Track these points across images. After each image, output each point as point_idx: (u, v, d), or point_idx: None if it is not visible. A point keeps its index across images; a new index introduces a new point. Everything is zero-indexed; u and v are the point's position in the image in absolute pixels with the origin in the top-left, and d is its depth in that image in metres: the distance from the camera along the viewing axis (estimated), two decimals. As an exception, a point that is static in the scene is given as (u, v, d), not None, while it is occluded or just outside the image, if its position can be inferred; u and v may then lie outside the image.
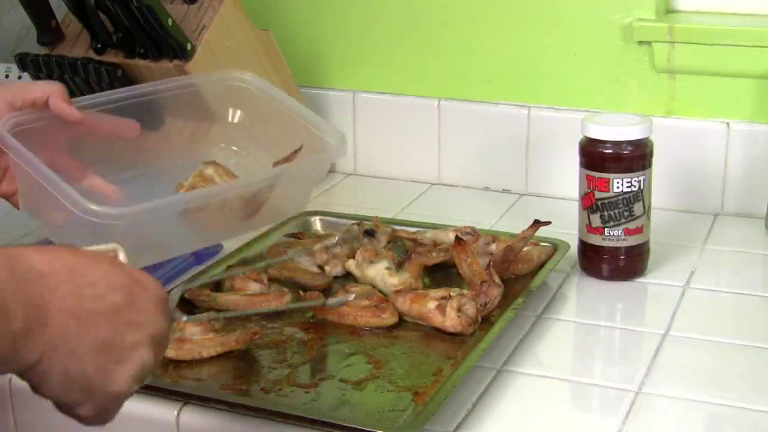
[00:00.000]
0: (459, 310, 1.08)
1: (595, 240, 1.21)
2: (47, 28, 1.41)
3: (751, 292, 1.20)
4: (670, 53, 1.40)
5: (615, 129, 1.18)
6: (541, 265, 1.21)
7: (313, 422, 0.93)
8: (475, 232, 1.24)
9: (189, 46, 1.34)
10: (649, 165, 1.20)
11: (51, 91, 1.09)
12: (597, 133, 1.19)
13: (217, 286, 1.19)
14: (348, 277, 1.23)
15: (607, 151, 1.19)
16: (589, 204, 1.20)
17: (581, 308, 1.19)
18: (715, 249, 1.33)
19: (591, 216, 1.21)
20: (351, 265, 1.22)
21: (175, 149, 1.28)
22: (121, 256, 0.81)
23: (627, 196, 1.19)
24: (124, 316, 0.74)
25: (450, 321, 1.08)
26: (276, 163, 1.17)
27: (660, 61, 1.41)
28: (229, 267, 1.21)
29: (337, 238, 1.23)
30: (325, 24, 1.60)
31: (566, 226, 1.26)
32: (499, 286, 1.12)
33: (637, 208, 1.19)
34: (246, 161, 1.27)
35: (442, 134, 1.56)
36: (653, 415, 0.96)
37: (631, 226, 1.20)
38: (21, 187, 1.10)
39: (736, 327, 1.12)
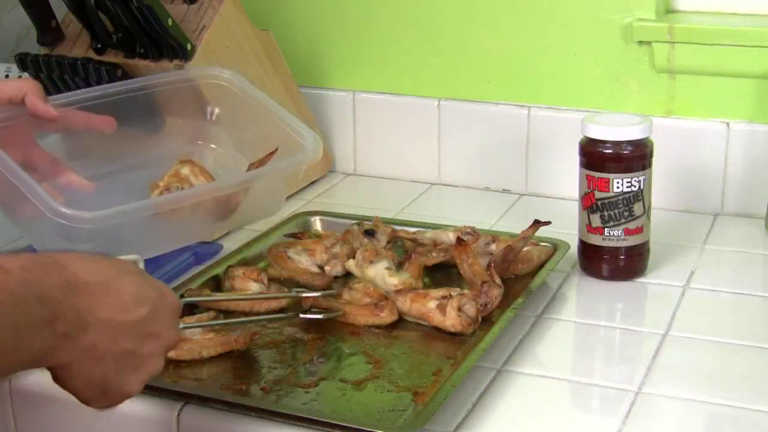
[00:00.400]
0: (459, 309, 1.08)
1: (595, 240, 1.21)
2: (47, 28, 1.41)
3: (751, 292, 1.20)
4: (670, 53, 1.40)
5: (615, 129, 1.18)
6: (541, 265, 1.21)
7: (313, 422, 0.93)
8: (475, 232, 1.24)
9: (189, 46, 1.34)
10: (649, 165, 1.20)
11: (27, 89, 1.10)
12: (597, 133, 1.19)
13: (217, 286, 1.20)
14: (348, 276, 1.23)
15: (607, 151, 1.19)
16: (589, 204, 1.20)
17: (581, 308, 1.19)
18: (715, 249, 1.33)
19: (591, 216, 1.21)
20: (351, 265, 1.22)
21: (152, 145, 1.28)
22: (141, 266, 0.87)
23: (627, 196, 1.19)
24: (147, 329, 0.79)
25: (450, 321, 1.08)
26: (250, 166, 1.18)
27: (660, 61, 1.41)
28: (229, 267, 1.21)
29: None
30: (325, 24, 1.60)
31: (566, 226, 1.26)
32: (499, 287, 1.12)
33: (637, 208, 1.19)
34: (224, 159, 1.28)
35: (441, 134, 1.56)
36: (653, 415, 0.96)
37: (631, 226, 1.20)
38: None
39: (736, 327, 1.12)
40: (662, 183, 1.33)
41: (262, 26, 1.47)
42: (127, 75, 1.38)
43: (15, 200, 1.06)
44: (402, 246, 1.28)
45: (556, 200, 1.48)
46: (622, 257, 1.21)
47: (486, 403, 0.98)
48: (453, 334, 1.08)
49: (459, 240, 1.17)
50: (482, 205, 1.49)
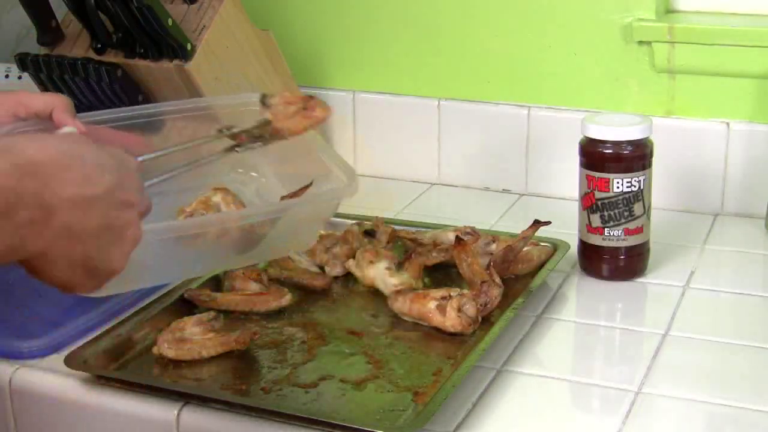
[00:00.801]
0: (459, 310, 1.08)
1: (595, 240, 1.21)
2: (47, 28, 1.41)
3: (751, 292, 1.20)
4: (670, 53, 1.40)
5: (615, 129, 1.18)
6: (541, 265, 1.21)
7: (313, 422, 0.93)
8: (475, 232, 1.24)
9: (189, 46, 1.34)
10: (649, 165, 1.20)
11: (55, 103, 1.09)
12: (597, 133, 1.19)
13: (217, 286, 1.19)
14: (348, 277, 1.23)
15: (607, 151, 1.19)
16: (589, 204, 1.20)
17: (581, 308, 1.19)
18: (715, 249, 1.33)
19: (591, 216, 1.21)
20: (351, 265, 1.22)
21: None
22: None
23: (627, 196, 1.19)
24: (117, 197, 0.75)
25: (450, 321, 1.08)
26: (283, 198, 1.12)
27: (660, 61, 1.41)
28: (229, 267, 1.20)
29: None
30: (325, 24, 1.60)
31: (566, 226, 1.26)
32: (499, 286, 1.12)
33: (637, 208, 1.19)
34: (265, 188, 1.23)
35: (441, 134, 1.56)
36: (653, 415, 0.96)
37: (631, 226, 1.20)
38: None
39: (736, 327, 1.12)
40: (662, 183, 1.33)
41: (262, 26, 1.47)
42: (127, 75, 1.38)
43: None
44: (402, 246, 1.28)
45: (556, 200, 1.48)
46: (622, 257, 1.21)
47: (486, 403, 0.98)
48: (453, 334, 1.08)
49: (458, 240, 1.17)
50: (482, 205, 1.49)
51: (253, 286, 1.17)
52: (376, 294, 1.18)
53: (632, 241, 1.20)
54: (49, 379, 1.03)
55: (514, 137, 1.52)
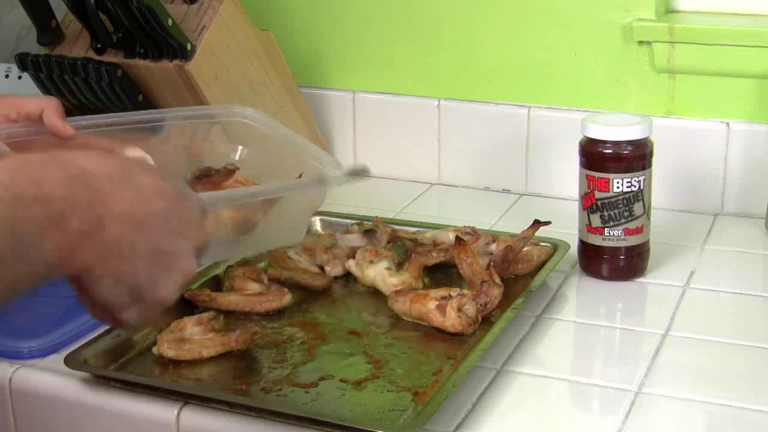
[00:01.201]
0: (459, 310, 1.08)
1: (595, 240, 1.21)
2: (47, 28, 1.41)
3: (751, 292, 1.20)
4: (670, 53, 1.40)
5: (615, 129, 1.18)
6: (541, 265, 1.21)
7: (313, 422, 0.93)
8: (475, 232, 1.24)
9: (189, 46, 1.34)
10: (649, 165, 1.20)
11: (45, 105, 1.09)
12: (597, 133, 1.19)
13: (217, 286, 1.20)
14: (348, 277, 1.23)
15: (607, 151, 1.19)
16: (589, 204, 1.20)
17: (581, 308, 1.19)
18: (715, 249, 1.33)
19: (591, 216, 1.21)
20: (351, 265, 1.22)
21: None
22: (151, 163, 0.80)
23: (627, 196, 1.19)
24: (172, 225, 0.73)
25: (450, 321, 1.08)
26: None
27: (660, 61, 1.41)
28: (229, 267, 1.21)
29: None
30: (325, 24, 1.60)
31: (566, 226, 1.26)
32: (499, 286, 1.12)
33: (637, 208, 1.19)
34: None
35: (442, 134, 1.56)
36: (653, 415, 0.96)
37: (631, 226, 1.20)
38: None
39: (736, 327, 1.12)
40: (662, 183, 1.33)
41: (262, 26, 1.47)
42: (127, 75, 1.38)
43: None
44: (402, 246, 1.28)
45: (556, 200, 1.48)
46: (622, 257, 1.21)
47: (486, 403, 0.98)
48: (453, 334, 1.08)
49: (458, 240, 1.17)
50: (482, 205, 1.49)
51: (253, 286, 1.17)
52: (376, 294, 1.18)
53: (632, 241, 1.20)
54: (49, 379, 1.03)
55: (514, 137, 1.52)
